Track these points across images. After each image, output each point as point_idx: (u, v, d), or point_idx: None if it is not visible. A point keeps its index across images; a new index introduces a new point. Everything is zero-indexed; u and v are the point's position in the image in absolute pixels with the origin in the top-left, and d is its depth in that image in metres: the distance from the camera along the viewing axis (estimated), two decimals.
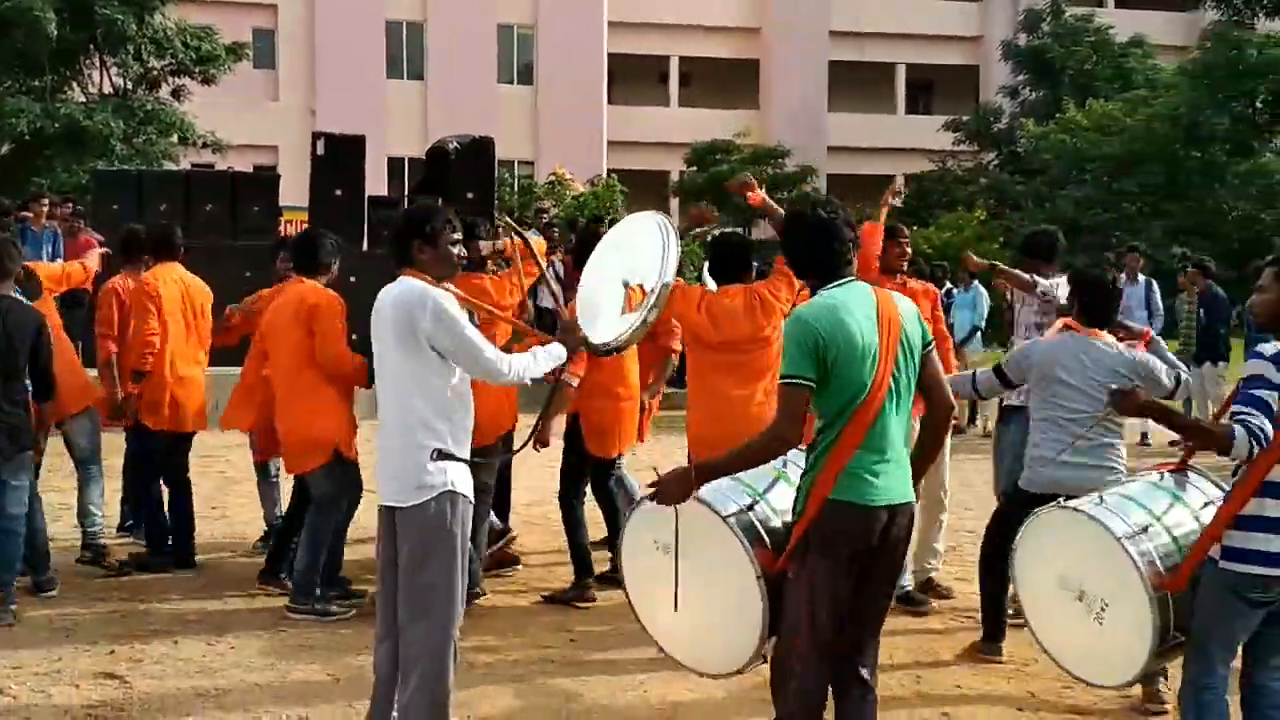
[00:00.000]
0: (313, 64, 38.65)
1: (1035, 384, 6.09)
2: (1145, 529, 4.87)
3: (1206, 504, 4.89)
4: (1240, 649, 4.54)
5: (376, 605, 5.01)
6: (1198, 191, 32.00)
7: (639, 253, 5.99)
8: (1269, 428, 4.26)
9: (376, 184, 26.09)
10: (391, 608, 4.87)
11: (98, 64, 26.72)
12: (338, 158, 15.49)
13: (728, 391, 6.46)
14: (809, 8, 44.04)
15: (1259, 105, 32.50)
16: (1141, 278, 14.80)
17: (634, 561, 5.00)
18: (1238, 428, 4.27)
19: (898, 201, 7.68)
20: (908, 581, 7.34)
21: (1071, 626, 5.11)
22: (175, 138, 26.56)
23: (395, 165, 35.61)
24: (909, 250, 7.59)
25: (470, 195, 15.39)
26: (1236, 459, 4.34)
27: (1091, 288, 6.10)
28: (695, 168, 37.94)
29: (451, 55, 38.92)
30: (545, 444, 6.82)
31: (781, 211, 6.50)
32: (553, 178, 33.00)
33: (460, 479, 4.77)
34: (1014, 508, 6.00)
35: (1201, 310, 14.49)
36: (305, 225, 16.71)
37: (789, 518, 4.39)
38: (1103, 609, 4.95)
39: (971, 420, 15.83)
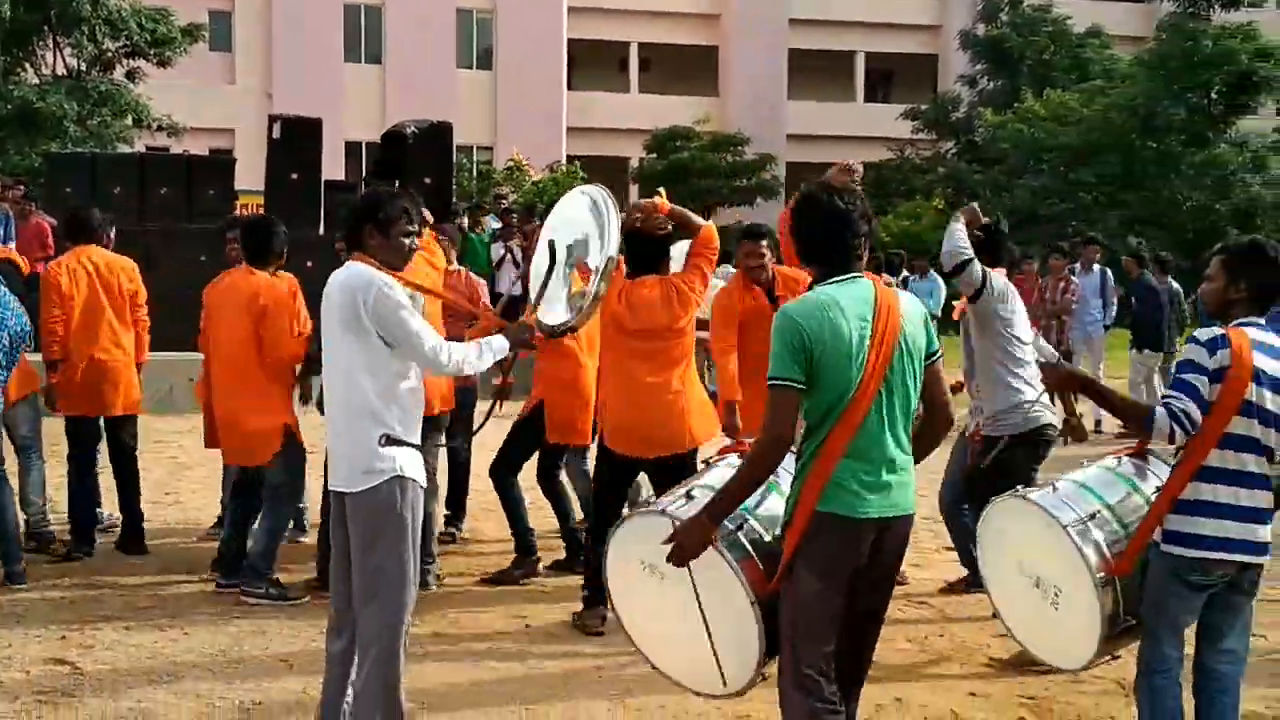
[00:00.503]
0: (269, 47, 38.35)
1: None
2: (1093, 516, 4.91)
3: (1159, 488, 4.89)
4: (1193, 632, 4.60)
5: (331, 594, 4.98)
6: (1153, 182, 32.25)
7: (580, 230, 5.97)
8: (1194, 411, 4.29)
9: (333, 168, 25.89)
10: (345, 596, 4.84)
11: (51, 45, 26.40)
12: (294, 141, 15.40)
13: (643, 379, 6.51)
14: None
15: (1214, 96, 32.77)
16: (1097, 268, 14.97)
17: (621, 578, 4.74)
18: (1159, 409, 4.32)
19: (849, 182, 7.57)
20: None
21: (1031, 611, 5.24)
22: (130, 120, 26.28)
23: (353, 149, 35.39)
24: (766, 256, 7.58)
25: (428, 180, 15.17)
26: (1158, 440, 4.39)
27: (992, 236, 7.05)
28: (655, 154, 37.94)
29: (410, 39, 38.72)
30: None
31: (697, 219, 6.77)
32: (511, 163, 32.94)
33: (410, 464, 4.74)
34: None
35: (1133, 299, 14.62)
36: (260, 209, 16.66)
37: (779, 530, 4.16)
38: (1056, 594, 5.03)
39: None
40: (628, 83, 44.97)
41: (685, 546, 4.09)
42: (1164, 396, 4.38)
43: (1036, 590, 5.14)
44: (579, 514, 7.92)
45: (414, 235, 4.94)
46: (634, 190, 37.69)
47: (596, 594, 6.50)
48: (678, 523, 4.20)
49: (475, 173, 33.87)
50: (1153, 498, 4.82)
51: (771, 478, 4.26)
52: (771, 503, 4.37)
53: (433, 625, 6.70)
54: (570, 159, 36.81)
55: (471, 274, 8.67)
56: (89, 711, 5.43)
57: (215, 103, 35.56)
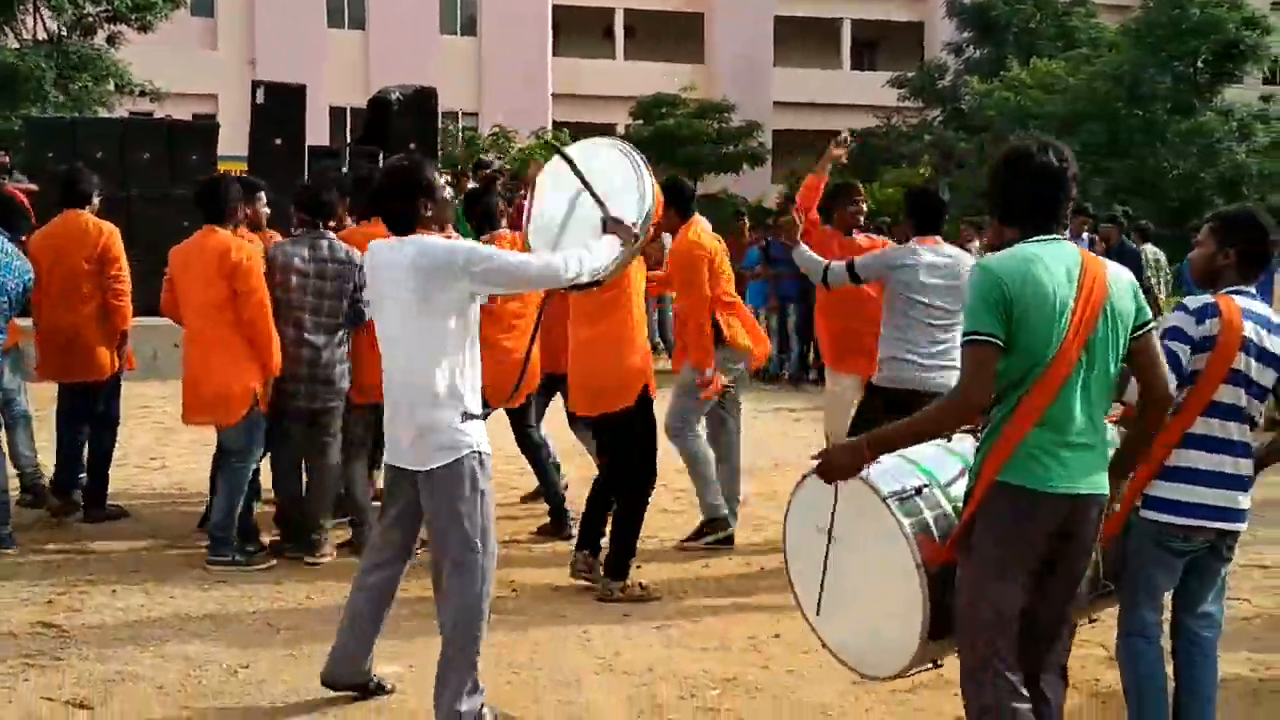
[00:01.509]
0: (252, 12, 38.07)
1: (888, 290, 6.73)
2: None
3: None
4: (1171, 596, 4.62)
5: (369, 544, 5.11)
6: (1139, 150, 32.23)
7: (608, 182, 5.90)
8: (1172, 379, 4.26)
9: (317, 134, 25.74)
10: (392, 551, 5.02)
11: (31, 9, 26.16)
12: (277, 107, 15.33)
13: (581, 335, 6.67)
14: None
15: (1200, 65, 32.75)
16: (1086, 236, 14.95)
17: (795, 541, 4.40)
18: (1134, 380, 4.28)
19: (842, 155, 7.61)
20: None
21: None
22: (111, 85, 26.09)
23: (337, 115, 35.20)
24: (864, 208, 7.72)
25: (412, 146, 15.25)
26: (1130, 402, 4.29)
27: (925, 202, 6.97)
28: (641, 121, 37.79)
29: (394, 5, 38.48)
30: None
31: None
32: (496, 130, 32.82)
33: (483, 438, 4.76)
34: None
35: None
36: (244, 175, 16.55)
37: (962, 504, 3.90)
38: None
39: None
40: (613, 49, 44.79)
41: (833, 465, 3.88)
42: None
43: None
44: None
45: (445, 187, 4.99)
46: None
47: (586, 537, 6.79)
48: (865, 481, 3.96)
49: (460, 139, 33.72)
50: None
51: (949, 445, 4.14)
52: (956, 473, 4.10)
53: (420, 589, 6.70)
54: (556, 125, 36.65)
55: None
56: (76, 674, 5.42)
57: (198, 68, 35.31)
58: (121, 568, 7.03)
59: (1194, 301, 4.43)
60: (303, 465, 7.43)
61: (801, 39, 44.96)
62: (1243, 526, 4.46)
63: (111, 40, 26.76)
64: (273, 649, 5.77)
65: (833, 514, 4.09)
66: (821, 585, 4.20)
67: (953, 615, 3.86)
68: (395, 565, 5.14)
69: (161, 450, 10.33)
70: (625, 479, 6.71)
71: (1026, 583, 3.76)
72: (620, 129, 39.64)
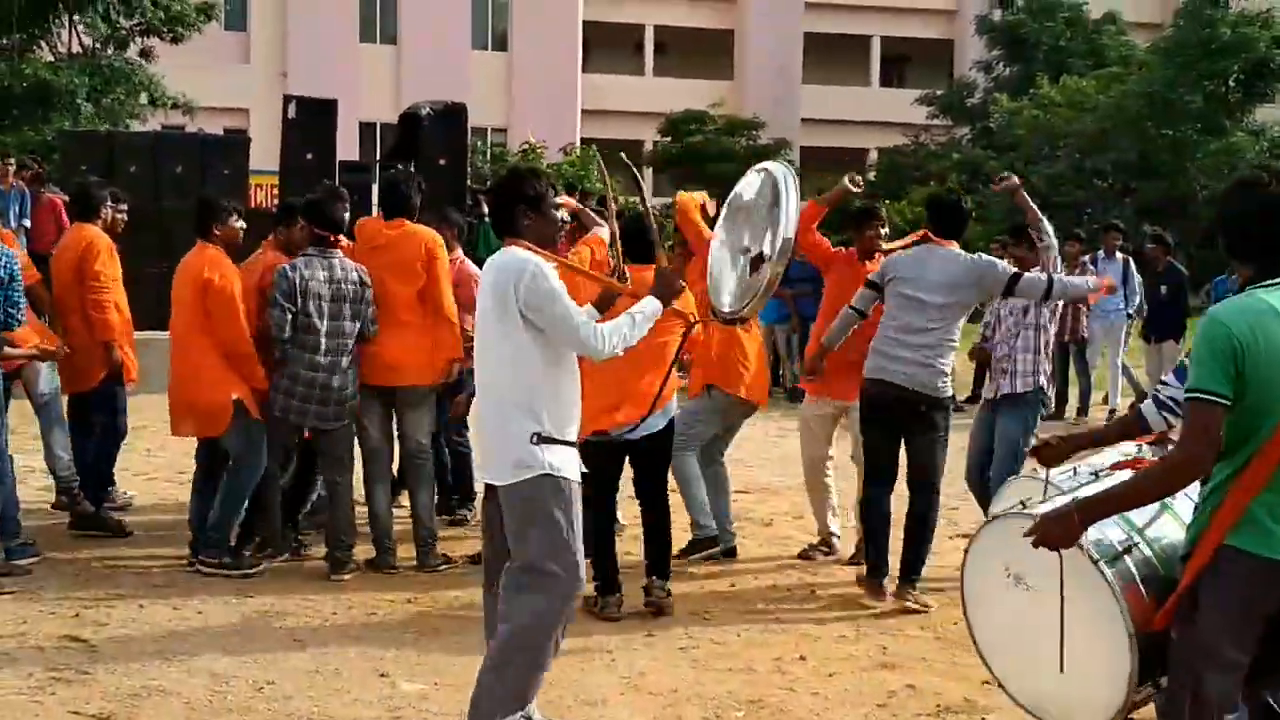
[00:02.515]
0: (284, 27, 38.32)
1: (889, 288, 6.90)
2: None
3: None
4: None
5: (486, 580, 5.03)
6: (1169, 170, 32.08)
7: (755, 212, 5.90)
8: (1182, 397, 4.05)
9: (348, 148, 25.84)
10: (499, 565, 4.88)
11: (66, 23, 26.39)
12: (309, 121, 15.38)
13: None
14: None
15: (1231, 84, 32.59)
16: (1119, 255, 14.75)
17: (979, 585, 4.16)
18: (1146, 403, 4.19)
19: (856, 189, 7.62)
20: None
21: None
22: (144, 99, 26.28)
23: (367, 130, 35.37)
24: (883, 232, 7.74)
25: (442, 161, 15.33)
26: (1158, 430, 4.21)
27: (945, 208, 7.19)
28: (669, 138, 37.84)
29: (425, 20, 38.66)
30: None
31: (591, 222, 7.30)
32: (525, 146, 32.90)
33: (562, 461, 4.64)
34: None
35: (1163, 287, 14.22)
36: (275, 190, 16.67)
37: (1174, 561, 3.70)
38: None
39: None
40: (643, 65, 44.89)
41: (1047, 539, 3.64)
42: (1158, 388, 4.25)
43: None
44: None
45: (559, 208, 4.98)
46: (648, 173, 37.62)
47: (608, 582, 6.59)
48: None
49: (489, 155, 33.82)
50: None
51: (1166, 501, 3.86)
52: (1165, 527, 3.88)
53: (446, 602, 6.72)
54: (584, 141, 36.72)
55: (468, 263, 8.43)
56: (102, 688, 5.44)
57: (230, 82, 35.56)
58: (148, 581, 7.06)
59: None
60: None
61: (830, 56, 44.95)
62: None
63: (144, 54, 26.97)
64: (298, 665, 5.78)
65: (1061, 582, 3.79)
66: (1060, 642, 3.87)
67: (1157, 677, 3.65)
68: None
69: (188, 464, 10.33)
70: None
71: (1256, 648, 3.49)
72: (648, 145, 39.72)
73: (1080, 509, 3.60)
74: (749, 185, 6.79)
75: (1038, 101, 34.46)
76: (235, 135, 26.28)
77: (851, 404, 7.48)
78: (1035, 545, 3.66)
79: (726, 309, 6.46)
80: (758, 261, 6.36)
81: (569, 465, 4.67)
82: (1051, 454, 4.31)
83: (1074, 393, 14.52)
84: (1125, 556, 3.78)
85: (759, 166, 6.80)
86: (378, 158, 28.44)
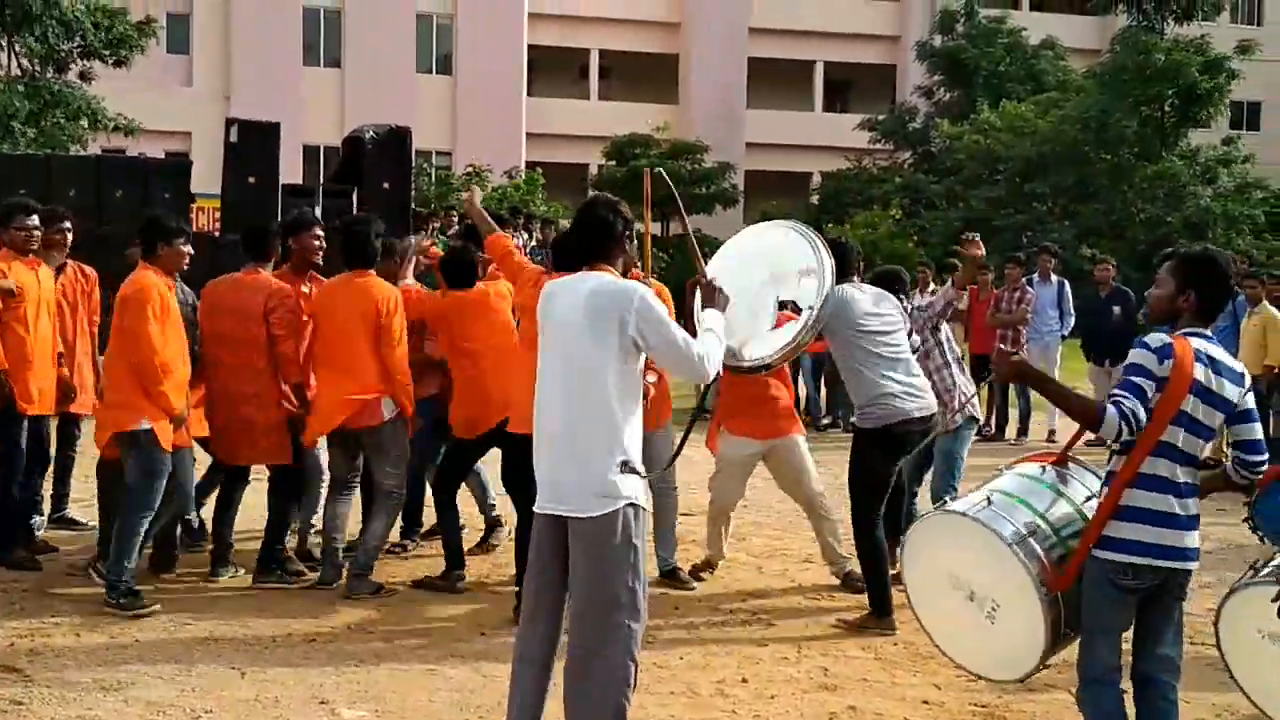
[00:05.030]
0: (228, 49, 38.11)
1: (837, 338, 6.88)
2: (1034, 531, 4.76)
3: (1089, 498, 4.82)
4: (1131, 642, 4.64)
5: (523, 628, 4.81)
6: (1107, 193, 32.56)
7: (787, 268, 5.91)
8: (1141, 414, 4.31)
9: (292, 172, 25.72)
10: (546, 631, 4.72)
11: (4, 45, 26.12)
12: (252, 145, 15.28)
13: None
14: (729, 3, 44.21)
15: (1166, 109, 33.13)
16: (1054, 278, 14.99)
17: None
18: (1110, 406, 4.31)
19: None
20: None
21: (964, 625, 5.03)
22: (85, 122, 26.03)
23: (311, 153, 35.21)
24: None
25: (386, 185, 15.31)
26: (1106, 437, 4.37)
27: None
28: (614, 161, 37.95)
29: (369, 43, 38.59)
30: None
31: (485, 227, 7.46)
32: (470, 169, 32.88)
33: (641, 491, 4.60)
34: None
35: (1115, 308, 14.28)
36: (216, 213, 16.54)
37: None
38: (994, 609, 4.88)
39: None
40: (588, 89, 45.00)
41: None
42: (1112, 396, 4.37)
43: (971, 604, 4.95)
44: None
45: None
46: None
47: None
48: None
49: (434, 178, 33.76)
50: (1082, 506, 4.80)
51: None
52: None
53: (387, 633, 6.69)
54: (529, 165, 36.74)
55: (423, 288, 8.46)
56: (38, 719, 5.37)
57: (172, 105, 35.27)
58: (85, 609, 6.97)
59: (1155, 339, 4.42)
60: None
61: (775, 81, 45.24)
62: (1192, 565, 4.49)
63: (84, 76, 26.72)
64: (237, 694, 5.73)
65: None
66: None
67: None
68: (552, 636, 4.77)
69: None
70: None
71: None
72: (593, 169, 39.80)
73: None
74: (779, 239, 6.78)
75: (978, 126, 34.90)
76: (177, 159, 26.03)
77: (776, 441, 7.62)
78: None
79: (753, 358, 6.44)
80: (792, 310, 6.50)
81: (642, 494, 4.64)
82: (1009, 368, 4.87)
83: (1014, 414, 14.72)
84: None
85: (785, 225, 6.84)
86: (321, 181, 28.32)
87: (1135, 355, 4.43)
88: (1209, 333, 4.54)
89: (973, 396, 7.85)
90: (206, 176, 18.82)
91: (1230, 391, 4.45)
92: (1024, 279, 14.58)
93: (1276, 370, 11.61)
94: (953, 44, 39.90)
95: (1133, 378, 4.36)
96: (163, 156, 25.88)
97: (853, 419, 7.30)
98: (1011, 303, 14.31)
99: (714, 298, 5.02)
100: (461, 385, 7.64)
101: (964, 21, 40.25)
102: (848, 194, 38.46)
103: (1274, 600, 3.86)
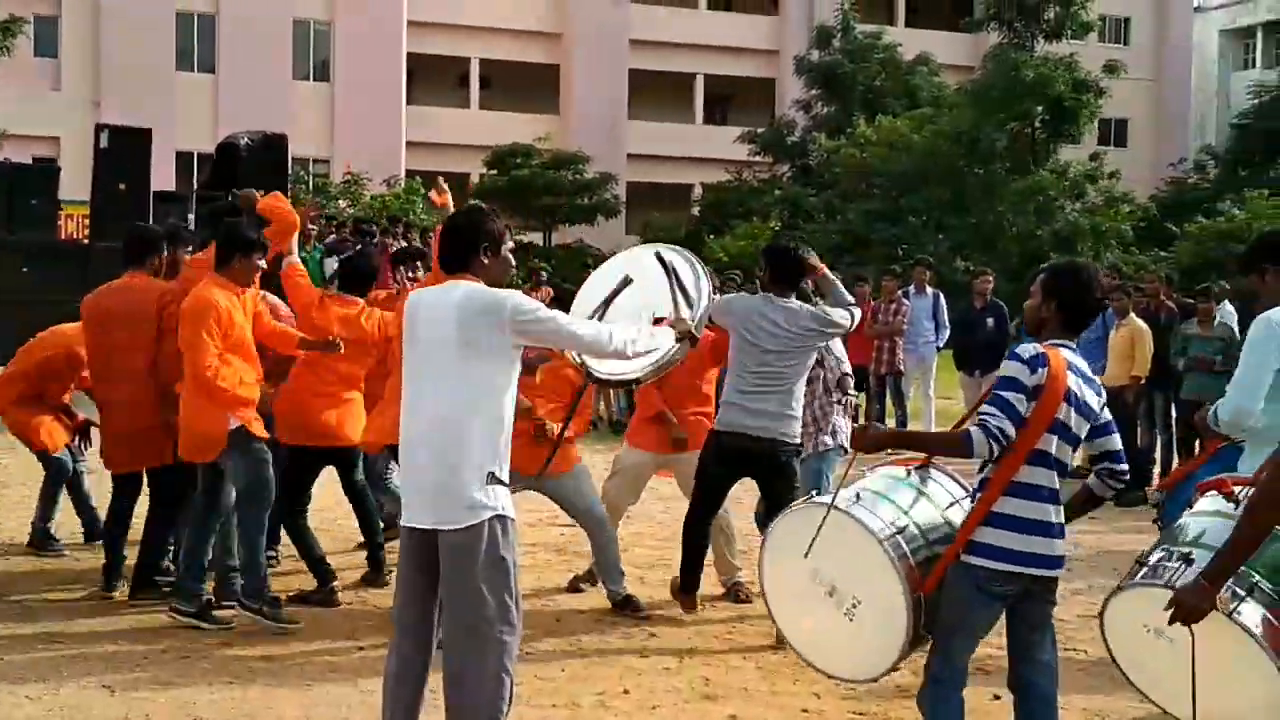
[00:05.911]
0: (98, 53, 37.25)
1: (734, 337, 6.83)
2: (901, 530, 4.70)
3: (952, 504, 4.86)
4: (1007, 649, 4.72)
5: (398, 637, 4.73)
6: (979, 207, 33.28)
7: (655, 285, 5.89)
8: (1010, 429, 4.38)
9: (165, 179, 25.28)
10: (421, 642, 4.66)
11: None
12: (122, 151, 15.00)
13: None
14: (610, 15, 44.36)
15: (1037, 126, 33.95)
16: (929, 290, 15.26)
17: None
18: (975, 430, 4.40)
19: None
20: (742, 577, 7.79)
21: (821, 623, 4.91)
22: None
23: (184, 160, 34.57)
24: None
25: (262, 193, 15.03)
26: (979, 458, 4.45)
27: (780, 256, 6.97)
28: (495, 171, 37.85)
29: (245, 49, 38.01)
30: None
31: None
32: (348, 177, 32.56)
33: (509, 502, 4.55)
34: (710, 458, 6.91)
35: (989, 320, 14.40)
36: (85, 220, 16.19)
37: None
38: (854, 605, 4.78)
39: None
40: (468, 98, 44.81)
41: (1190, 612, 3.88)
42: (980, 415, 4.46)
43: (830, 601, 4.83)
44: None
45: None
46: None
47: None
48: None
49: (312, 185, 33.35)
50: (947, 512, 4.82)
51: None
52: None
53: (263, 648, 6.56)
54: (410, 174, 36.48)
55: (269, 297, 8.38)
56: None
57: (40, 109, 34.41)
58: None
59: (1026, 350, 4.51)
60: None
61: (656, 93, 45.50)
62: (1058, 572, 4.57)
63: None
64: (107, 712, 5.58)
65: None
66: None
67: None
68: (424, 650, 4.70)
69: None
70: None
71: None
72: (475, 178, 39.64)
73: (1208, 576, 3.88)
74: (643, 260, 6.68)
75: (854, 140, 35.43)
76: (45, 164, 25.38)
77: (678, 457, 7.67)
78: (1173, 621, 3.90)
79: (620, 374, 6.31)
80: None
81: (510, 505, 4.59)
82: (869, 440, 4.66)
83: (891, 424, 14.92)
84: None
85: (657, 248, 6.75)
86: (194, 188, 27.83)
87: (1006, 367, 4.52)
88: (1074, 344, 4.64)
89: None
90: (75, 183, 18.42)
91: (1094, 401, 4.57)
92: (900, 291, 14.83)
93: (1144, 381, 11.92)
94: (829, 59, 40.46)
95: (1002, 392, 4.44)
96: (30, 162, 25.22)
97: None
98: (888, 315, 14.55)
99: (682, 329, 5.17)
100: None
101: (840, 37, 40.85)
102: (728, 206, 38.84)
103: (1167, 609, 3.94)
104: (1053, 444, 4.48)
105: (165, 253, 7.56)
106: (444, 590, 4.55)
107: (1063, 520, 4.57)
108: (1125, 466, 4.68)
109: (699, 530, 7.13)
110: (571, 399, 6.07)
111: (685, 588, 7.22)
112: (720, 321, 6.91)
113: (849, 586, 4.76)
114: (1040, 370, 4.44)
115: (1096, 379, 4.66)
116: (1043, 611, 4.62)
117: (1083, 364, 4.61)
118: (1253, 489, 4.11)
